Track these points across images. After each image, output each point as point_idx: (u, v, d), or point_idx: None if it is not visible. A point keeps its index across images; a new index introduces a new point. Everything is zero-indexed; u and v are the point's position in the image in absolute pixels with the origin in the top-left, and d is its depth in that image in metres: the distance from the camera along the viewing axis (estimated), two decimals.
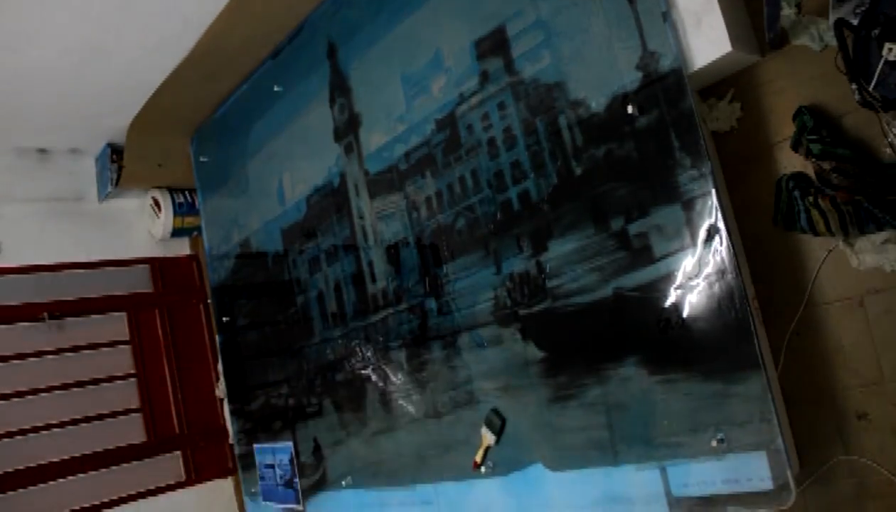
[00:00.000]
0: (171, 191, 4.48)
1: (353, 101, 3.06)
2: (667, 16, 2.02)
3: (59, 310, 4.16)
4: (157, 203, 4.46)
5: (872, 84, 1.81)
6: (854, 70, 1.85)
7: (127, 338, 4.40)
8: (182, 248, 4.77)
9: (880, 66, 1.79)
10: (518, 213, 2.43)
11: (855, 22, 1.87)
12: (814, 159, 2.02)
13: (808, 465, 2.11)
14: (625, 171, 2.12)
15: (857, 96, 1.86)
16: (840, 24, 1.89)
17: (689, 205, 1.98)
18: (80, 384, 4.18)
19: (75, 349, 4.20)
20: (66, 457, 4.02)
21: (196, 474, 4.40)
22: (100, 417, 4.20)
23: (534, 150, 2.37)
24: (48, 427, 4.03)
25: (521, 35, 2.38)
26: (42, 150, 4.22)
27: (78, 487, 4.03)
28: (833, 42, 1.99)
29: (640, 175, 2.09)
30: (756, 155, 2.22)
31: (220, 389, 4.34)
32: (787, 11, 2.09)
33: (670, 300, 2.03)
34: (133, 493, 4.16)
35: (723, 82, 2.26)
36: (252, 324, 3.87)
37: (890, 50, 1.76)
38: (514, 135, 2.43)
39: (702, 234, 1.96)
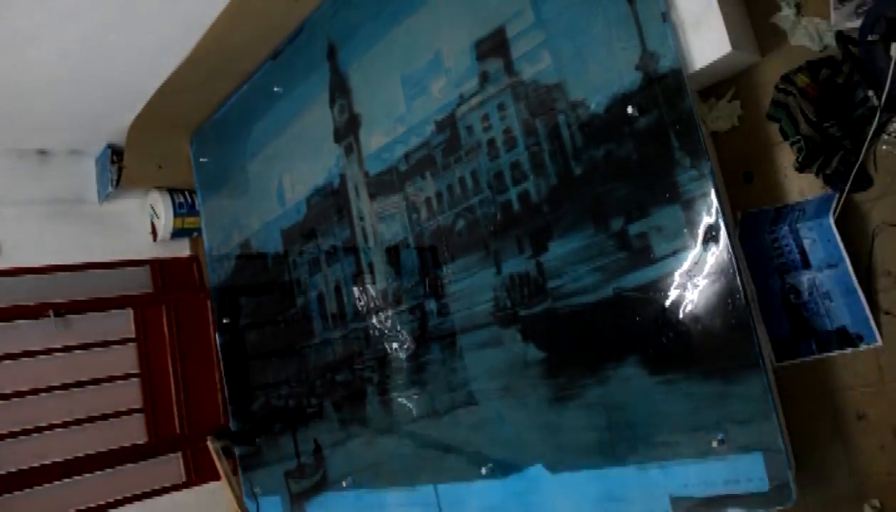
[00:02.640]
0: (171, 192, 4.48)
1: (352, 102, 3.06)
2: (666, 16, 2.02)
3: (64, 308, 4.15)
4: (155, 206, 4.47)
5: (887, 87, 1.81)
6: (868, 77, 1.86)
7: (133, 335, 4.40)
8: (182, 249, 4.76)
9: (892, 68, 1.78)
10: (518, 214, 2.44)
11: (857, 22, 1.87)
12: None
13: (808, 465, 2.11)
14: (625, 171, 2.12)
15: (874, 102, 1.86)
16: (843, 39, 1.91)
17: (688, 205, 1.98)
18: (83, 384, 4.17)
19: (81, 347, 4.19)
20: (67, 457, 4.02)
21: (196, 475, 4.39)
22: (102, 417, 4.19)
23: (533, 151, 2.37)
24: (50, 427, 4.02)
25: (520, 36, 2.38)
26: (42, 152, 4.23)
27: (79, 488, 4.03)
28: (832, 42, 2.00)
29: (639, 175, 2.09)
30: (756, 155, 2.22)
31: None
32: (787, 12, 2.09)
33: (670, 300, 2.03)
34: (134, 494, 4.16)
35: (723, 82, 2.26)
36: (252, 325, 3.87)
37: None
38: (514, 136, 2.43)
39: (702, 234, 1.96)
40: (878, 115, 1.89)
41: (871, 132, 1.91)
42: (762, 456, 1.87)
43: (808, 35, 2.07)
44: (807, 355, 2.12)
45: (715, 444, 1.94)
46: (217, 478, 4.34)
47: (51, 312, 4.10)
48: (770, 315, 2.15)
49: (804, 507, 2.14)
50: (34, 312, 4.08)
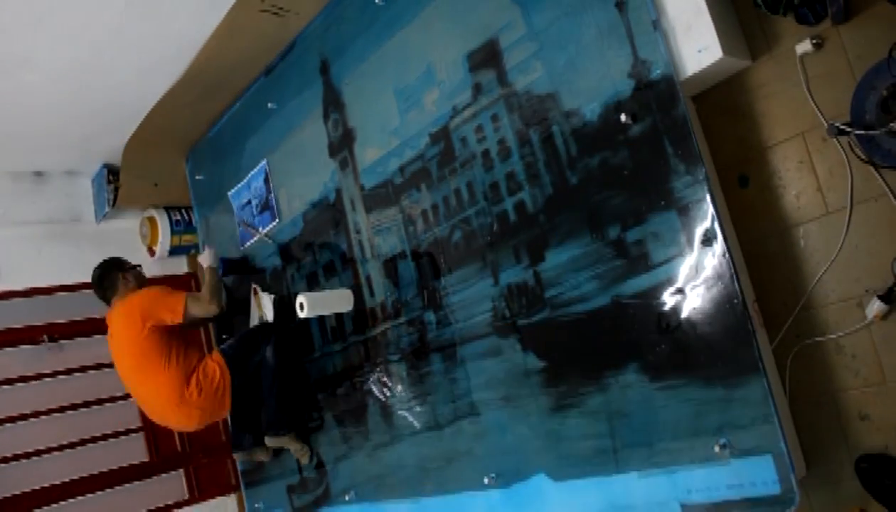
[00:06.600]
0: (168, 209, 4.48)
1: (346, 116, 3.06)
2: (657, 24, 2.02)
3: (58, 331, 4.14)
4: (153, 222, 4.46)
5: None
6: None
7: None
8: (180, 266, 4.76)
9: None
10: (514, 224, 2.44)
11: None
12: None
13: (812, 467, 2.11)
14: (620, 179, 2.13)
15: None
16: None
17: (685, 211, 1.98)
18: (81, 406, 4.16)
19: (76, 371, 4.18)
20: (68, 479, 3.99)
21: (199, 492, 4.37)
22: (102, 437, 4.17)
23: (528, 161, 2.38)
24: (49, 451, 4.00)
25: (513, 47, 2.39)
26: (38, 173, 4.23)
27: (81, 509, 4.01)
28: None
29: (635, 183, 2.10)
30: (751, 159, 2.23)
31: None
32: None
33: (669, 307, 2.03)
34: None
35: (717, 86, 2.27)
36: None
37: None
38: (509, 146, 2.43)
39: (699, 239, 1.96)
40: None
41: None
42: (765, 460, 1.87)
43: None
44: None
45: (718, 449, 1.93)
46: (219, 494, 4.35)
47: (45, 337, 4.09)
48: None
49: (809, 509, 2.15)
50: (28, 336, 4.07)
